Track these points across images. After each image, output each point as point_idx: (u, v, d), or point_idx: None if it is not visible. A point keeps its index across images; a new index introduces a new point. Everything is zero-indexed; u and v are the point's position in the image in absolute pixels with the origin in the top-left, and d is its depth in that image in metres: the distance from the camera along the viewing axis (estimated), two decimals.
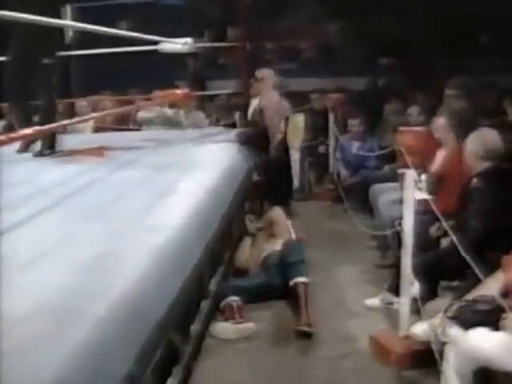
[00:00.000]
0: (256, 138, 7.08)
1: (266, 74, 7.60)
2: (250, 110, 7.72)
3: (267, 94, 7.50)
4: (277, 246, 5.61)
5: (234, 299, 4.87)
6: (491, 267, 3.61)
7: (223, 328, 4.64)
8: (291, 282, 5.00)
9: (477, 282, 3.57)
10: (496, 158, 4.44)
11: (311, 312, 4.75)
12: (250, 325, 4.66)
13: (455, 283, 4.44)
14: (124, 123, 8.98)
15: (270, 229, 6.02)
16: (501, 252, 3.72)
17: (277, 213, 6.20)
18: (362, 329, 4.61)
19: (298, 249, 5.38)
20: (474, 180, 4.38)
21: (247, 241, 6.03)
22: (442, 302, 4.02)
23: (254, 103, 7.72)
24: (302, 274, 5.03)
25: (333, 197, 8.35)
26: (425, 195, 4.14)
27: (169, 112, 8.80)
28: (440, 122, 5.26)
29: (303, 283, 4.97)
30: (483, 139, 4.48)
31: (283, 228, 5.97)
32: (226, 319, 4.77)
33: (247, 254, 5.87)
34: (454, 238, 3.73)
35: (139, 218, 3.67)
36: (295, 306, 4.89)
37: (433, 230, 4.57)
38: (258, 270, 5.44)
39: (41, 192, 4.29)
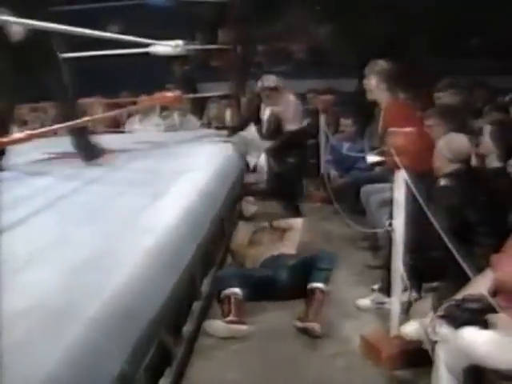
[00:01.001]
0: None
1: (275, 80, 7.47)
2: (265, 117, 7.62)
3: (286, 100, 7.41)
4: (284, 248, 5.69)
5: (234, 292, 4.85)
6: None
7: (215, 325, 4.63)
8: (314, 285, 4.99)
9: (459, 280, 3.60)
10: (463, 160, 4.54)
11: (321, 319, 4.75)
12: (242, 327, 4.64)
13: (435, 284, 4.47)
14: (118, 126, 8.99)
15: (280, 232, 6.05)
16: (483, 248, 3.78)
17: (297, 222, 6.23)
18: (353, 329, 4.63)
19: (332, 258, 5.37)
20: (441, 180, 4.46)
21: (242, 225, 6.03)
22: (430, 301, 4.04)
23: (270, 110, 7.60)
24: (326, 282, 5.05)
25: (323, 198, 8.36)
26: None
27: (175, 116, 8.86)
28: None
29: (324, 291, 4.99)
30: (452, 143, 4.57)
31: (296, 236, 6.01)
32: (222, 313, 4.77)
33: (242, 238, 5.91)
34: (442, 234, 3.76)
35: (131, 219, 3.68)
36: (309, 307, 4.86)
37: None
38: (261, 268, 5.45)
39: (33, 194, 4.30)
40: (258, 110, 7.49)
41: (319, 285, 5.00)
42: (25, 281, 2.68)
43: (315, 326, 4.60)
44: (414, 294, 4.13)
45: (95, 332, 2.38)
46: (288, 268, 5.29)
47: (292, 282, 5.23)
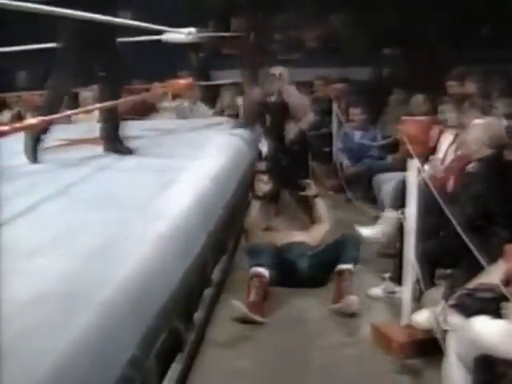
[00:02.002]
0: None
1: (282, 70, 7.45)
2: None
3: (288, 89, 7.38)
4: (306, 237, 5.72)
5: (261, 274, 4.87)
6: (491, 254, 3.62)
7: (235, 305, 4.62)
8: (343, 267, 5.03)
9: (472, 268, 3.59)
10: (498, 146, 4.48)
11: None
12: (258, 319, 4.60)
13: (449, 271, 4.47)
14: (137, 113, 8.96)
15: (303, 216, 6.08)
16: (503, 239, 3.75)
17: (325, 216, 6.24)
18: (364, 318, 4.63)
19: (357, 240, 5.41)
20: (472, 165, 4.43)
21: (255, 204, 6.03)
22: (442, 290, 4.03)
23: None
24: (355, 263, 5.12)
25: (335, 186, 8.35)
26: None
27: (186, 103, 8.83)
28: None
29: (353, 272, 5.05)
30: (489, 127, 4.53)
31: (322, 229, 6.03)
32: (248, 290, 4.79)
33: (255, 218, 5.92)
34: (455, 223, 3.74)
35: (143, 206, 3.68)
36: (340, 288, 4.92)
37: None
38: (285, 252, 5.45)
39: (44, 181, 4.31)
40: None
41: (348, 266, 5.04)
42: (36, 267, 2.69)
43: (351, 301, 4.66)
44: (426, 283, 4.10)
45: (106, 318, 2.39)
46: (309, 258, 5.31)
47: (311, 272, 5.26)
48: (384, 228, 5.43)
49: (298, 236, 5.75)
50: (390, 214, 5.42)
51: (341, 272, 5.01)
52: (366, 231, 5.55)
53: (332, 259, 5.16)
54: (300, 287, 5.17)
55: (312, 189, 6.29)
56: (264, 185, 6.24)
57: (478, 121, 4.67)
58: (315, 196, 6.21)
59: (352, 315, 4.66)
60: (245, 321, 4.56)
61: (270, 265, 4.93)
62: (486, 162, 4.40)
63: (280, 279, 5.06)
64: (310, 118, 7.69)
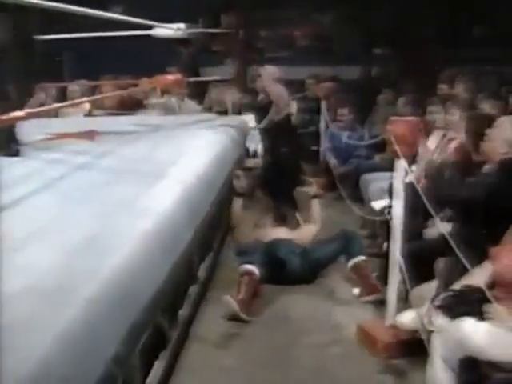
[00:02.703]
0: None
1: (269, 69, 7.44)
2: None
3: (273, 88, 7.36)
4: (295, 235, 5.74)
5: (251, 271, 4.86)
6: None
7: (225, 300, 4.62)
8: (356, 260, 5.11)
9: (457, 271, 3.60)
10: None
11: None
12: (245, 318, 4.59)
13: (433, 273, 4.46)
14: (127, 107, 8.92)
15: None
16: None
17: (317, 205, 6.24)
18: (349, 317, 4.63)
19: (354, 233, 5.55)
20: (488, 167, 4.34)
21: (237, 201, 6.01)
22: (428, 287, 4.03)
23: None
24: (362, 254, 5.18)
25: (323, 185, 8.34)
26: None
27: (174, 99, 8.81)
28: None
29: (366, 260, 5.15)
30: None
31: (313, 230, 6.04)
32: (238, 287, 4.78)
33: (240, 216, 5.93)
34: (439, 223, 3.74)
35: (129, 203, 3.67)
36: (363, 280, 5.01)
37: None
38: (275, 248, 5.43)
39: (29, 175, 4.28)
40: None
41: (360, 258, 5.11)
42: (20, 261, 2.67)
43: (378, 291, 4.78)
44: (411, 283, 4.10)
45: (91, 314, 2.37)
46: (301, 255, 5.32)
47: (303, 270, 5.28)
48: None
49: (286, 234, 5.74)
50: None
51: (357, 265, 5.07)
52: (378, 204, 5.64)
53: (329, 256, 5.21)
54: (289, 284, 5.17)
55: (313, 188, 6.30)
56: (241, 180, 6.20)
57: (504, 118, 4.44)
58: (314, 196, 6.20)
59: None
60: (233, 318, 4.56)
61: (261, 263, 4.92)
62: (502, 166, 4.17)
63: (270, 277, 5.05)
64: (293, 107, 7.72)
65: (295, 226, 5.99)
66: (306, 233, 5.89)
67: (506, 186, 4.00)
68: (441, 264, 4.15)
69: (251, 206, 6.18)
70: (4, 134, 4.90)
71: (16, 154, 4.97)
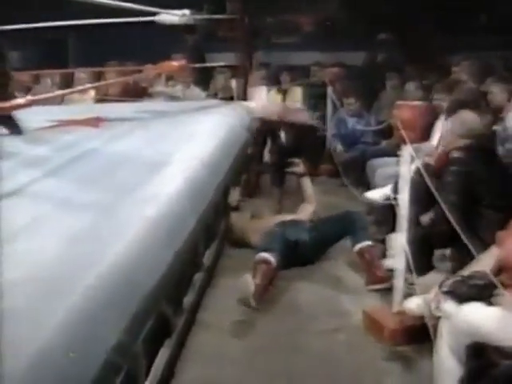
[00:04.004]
0: None
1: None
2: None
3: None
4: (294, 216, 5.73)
5: (267, 259, 4.83)
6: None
7: (244, 280, 4.59)
8: (362, 245, 5.08)
9: (463, 256, 3.58)
10: (474, 137, 4.53)
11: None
12: (255, 307, 4.58)
13: (448, 252, 4.45)
14: (132, 95, 8.89)
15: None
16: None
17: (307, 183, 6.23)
18: (356, 304, 4.61)
19: (361, 215, 5.51)
20: (454, 152, 4.44)
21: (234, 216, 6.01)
22: (436, 275, 4.02)
23: None
24: (369, 238, 5.15)
25: (329, 171, 8.33)
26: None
27: (179, 86, 8.80)
28: None
29: (373, 245, 5.11)
30: (464, 120, 4.60)
31: (310, 208, 6.02)
32: (253, 274, 4.74)
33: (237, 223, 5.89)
34: (444, 208, 3.74)
35: (133, 189, 3.63)
36: (370, 267, 4.98)
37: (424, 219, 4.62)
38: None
39: (32, 162, 4.25)
40: None
41: (366, 243, 5.06)
42: (22, 249, 2.63)
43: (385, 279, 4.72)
44: (417, 269, 4.08)
45: (92, 301, 2.34)
46: (308, 230, 5.29)
47: (312, 244, 5.27)
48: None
49: (286, 217, 5.73)
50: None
51: (363, 250, 5.04)
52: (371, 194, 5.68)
53: (335, 231, 5.20)
54: (299, 265, 5.16)
55: (300, 167, 6.28)
56: (234, 194, 6.22)
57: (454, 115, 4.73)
58: (302, 175, 6.18)
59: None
60: (243, 302, 4.53)
61: (278, 250, 4.88)
62: (466, 150, 4.44)
63: (285, 263, 5.02)
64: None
65: (293, 208, 5.99)
66: (303, 213, 5.88)
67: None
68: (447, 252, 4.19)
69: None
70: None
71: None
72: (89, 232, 2.90)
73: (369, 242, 5.06)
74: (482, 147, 4.54)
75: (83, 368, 2.11)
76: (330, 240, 5.34)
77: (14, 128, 4.86)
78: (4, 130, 4.84)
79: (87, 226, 2.95)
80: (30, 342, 2.00)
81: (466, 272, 3.40)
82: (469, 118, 4.63)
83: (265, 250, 4.87)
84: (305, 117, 6.67)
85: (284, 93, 8.94)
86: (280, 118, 6.81)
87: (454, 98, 5.65)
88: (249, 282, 4.53)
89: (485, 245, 3.69)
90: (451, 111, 5.11)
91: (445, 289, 3.25)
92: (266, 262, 4.79)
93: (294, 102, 8.85)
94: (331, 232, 5.32)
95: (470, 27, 10.94)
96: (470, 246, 3.42)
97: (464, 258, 3.60)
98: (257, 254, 4.87)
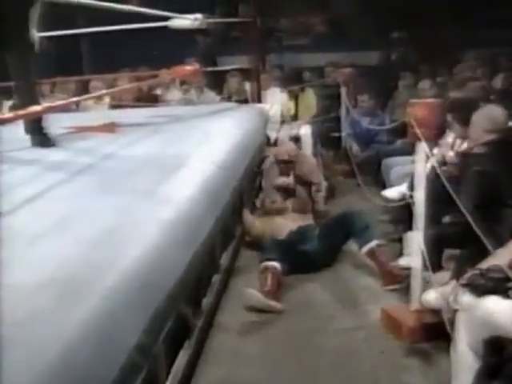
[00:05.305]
0: None
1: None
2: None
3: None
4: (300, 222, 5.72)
5: (273, 266, 4.85)
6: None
7: (250, 294, 4.59)
8: (370, 246, 5.07)
9: (480, 250, 3.57)
10: (499, 131, 4.51)
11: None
12: (277, 305, 4.59)
13: (458, 252, 4.45)
14: (146, 100, 8.92)
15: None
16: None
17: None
18: (373, 303, 4.62)
19: (364, 215, 5.48)
20: (476, 148, 4.43)
21: (246, 212, 6.02)
22: (449, 273, 4.02)
23: None
24: (375, 237, 5.15)
25: (345, 172, 8.34)
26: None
27: (193, 91, 8.86)
28: None
29: (380, 245, 5.12)
30: (489, 114, 4.60)
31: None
32: (260, 284, 4.76)
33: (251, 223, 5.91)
34: (461, 206, 3.74)
35: (150, 192, 3.67)
36: (380, 267, 5.00)
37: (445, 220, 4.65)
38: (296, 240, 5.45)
39: (51, 167, 4.30)
40: None
41: (374, 243, 5.09)
42: (42, 252, 2.67)
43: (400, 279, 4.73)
44: (434, 267, 4.08)
45: (113, 302, 2.37)
46: (316, 237, 5.34)
47: (321, 249, 5.29)
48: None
49: (299, 220, 5.74)
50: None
51: (372, 251, 5.06)
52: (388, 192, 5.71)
53: (338, 235, 5.21)
54: (312, 272, 5.17)
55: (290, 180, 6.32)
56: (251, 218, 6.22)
57: (479, 110, 4.75)
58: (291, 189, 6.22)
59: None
60: (261, 310, 4.55)
61: (281, 259, 4.90)
62: (489, 146, 4.41)
63: (293, 269, 5.04)
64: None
65: (304, 209, 6.01)
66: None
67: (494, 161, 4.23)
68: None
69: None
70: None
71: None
72: (109, 235, 2.94)
73: (376, 242, 5.06)
74: (508, 141, 4.49)
75: (105, 368, 2.14)
76: (338, 244, 5.34)
77: (45, 141, 4.90)
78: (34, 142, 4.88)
79: (107, 229, 2.99)
80: (52, 343, 2.03)
81: (483, 265, 3.40)
82: (495, 112, 4.64)
83: (268, 259, 4.88)
84: (318, 176, 6.50)
85: (296, 97, 8.93)
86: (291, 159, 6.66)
87: (454, 98, 5.65)
88: (254, 294, 4.57)
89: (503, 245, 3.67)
90: (453, 110, 5.12)
91: (463, 282, 3.25)
92: (270, 268, 4.82)
93: (307, 107, 8.86)
94: (336, 236, 5.32)
95: (484, 23, 10.90)
96: (490, 248, 3.42)
97: (474, 259, 3.58)
98: (261, 264, 4.89)
